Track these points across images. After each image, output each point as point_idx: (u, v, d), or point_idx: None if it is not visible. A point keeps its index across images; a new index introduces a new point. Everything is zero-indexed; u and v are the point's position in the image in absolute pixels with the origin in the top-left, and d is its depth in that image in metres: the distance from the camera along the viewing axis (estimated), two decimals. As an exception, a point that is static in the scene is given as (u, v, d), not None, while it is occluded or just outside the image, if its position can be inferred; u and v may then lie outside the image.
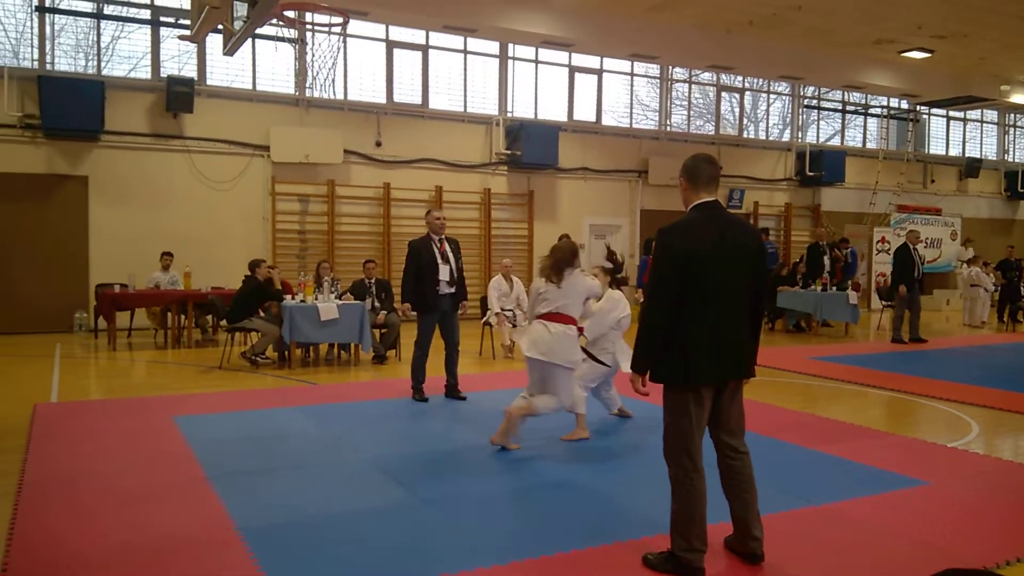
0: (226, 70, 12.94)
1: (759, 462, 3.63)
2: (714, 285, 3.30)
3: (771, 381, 8.69)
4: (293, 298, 9.13)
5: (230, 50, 5.88)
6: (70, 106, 11.38)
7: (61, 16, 12.02)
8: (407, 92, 14.39)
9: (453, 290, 7.07)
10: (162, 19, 12.44)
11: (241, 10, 4.99)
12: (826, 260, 13.32)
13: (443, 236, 7.13)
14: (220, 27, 5.54)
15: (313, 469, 5.04)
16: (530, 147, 14.70)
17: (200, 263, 11.83)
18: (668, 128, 17.10)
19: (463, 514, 4.18)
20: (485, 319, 10.10)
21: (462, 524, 4.05)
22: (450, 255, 7.08)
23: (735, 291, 3.37)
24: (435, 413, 6.66)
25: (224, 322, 9.46)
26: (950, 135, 21.47)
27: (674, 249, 3.30)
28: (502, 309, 9.88)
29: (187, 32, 6.96)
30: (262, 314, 9.15)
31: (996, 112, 21.85)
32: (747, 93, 18.39)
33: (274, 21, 10.05)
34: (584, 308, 5.63)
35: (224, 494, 4.44)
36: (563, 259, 5.36)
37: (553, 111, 15.80)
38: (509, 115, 15.20)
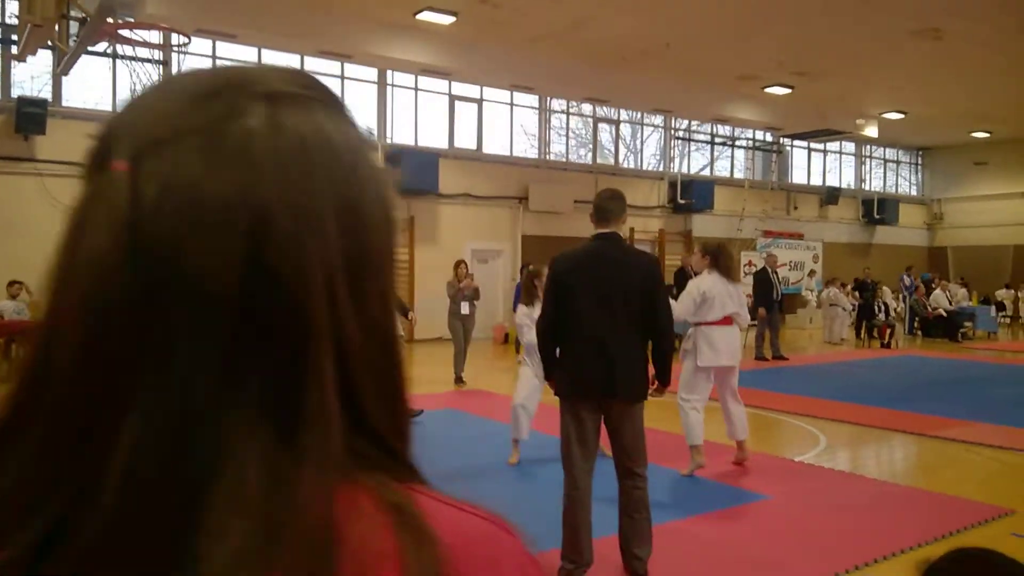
0: (86, 91, 12.33)
1: (599, 480, 3.66)
2: (589, 309, 3.50)
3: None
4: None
5: (63, 69, 5.58)
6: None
7: None
8: (282, 117, 14.08)
9: None
10: (12, 37, 11.74)
11: (75, 28, 4.74)
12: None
13: None
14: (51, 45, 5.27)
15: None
16: (410, 173, 14.63)
17: (54, 293, 11.11)
18: (548, 156, 17.42)
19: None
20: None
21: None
22: None
23: (619, 314, 3.51)
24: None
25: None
26: (811, 165, 22.83)
27: (558, 274, 3.61)
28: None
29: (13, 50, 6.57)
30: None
31: (853, 144, 23.41)
32: (623, 124, 18.99)
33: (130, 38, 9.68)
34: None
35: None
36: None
37: (433, 138, 15.84)
38: (388, 141, 15.11)
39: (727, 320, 5.50)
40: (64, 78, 12.17)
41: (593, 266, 3.56)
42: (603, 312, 3.49)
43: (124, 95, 12.14)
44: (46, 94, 11.89)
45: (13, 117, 11.43)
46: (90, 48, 7.02)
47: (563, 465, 3.60)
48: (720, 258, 5.57)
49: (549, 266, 3.70)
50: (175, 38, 8.19)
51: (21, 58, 6.14)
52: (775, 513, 4.72)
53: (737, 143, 21.01)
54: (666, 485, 5.24)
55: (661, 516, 4.54)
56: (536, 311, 5.84)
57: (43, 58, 12.02)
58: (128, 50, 7.90)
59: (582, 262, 3.62)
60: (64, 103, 12.16)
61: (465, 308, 8.96)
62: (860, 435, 7.19)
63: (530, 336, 5.89)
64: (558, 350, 3.62)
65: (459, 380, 9.65)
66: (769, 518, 4.63)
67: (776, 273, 12.03)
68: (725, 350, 5.50)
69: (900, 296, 17.75)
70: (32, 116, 11.38)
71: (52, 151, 11.87)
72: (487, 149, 16.51)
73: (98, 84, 12.22)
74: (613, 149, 18.82)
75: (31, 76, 11.95)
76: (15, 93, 11.71)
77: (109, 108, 12.33)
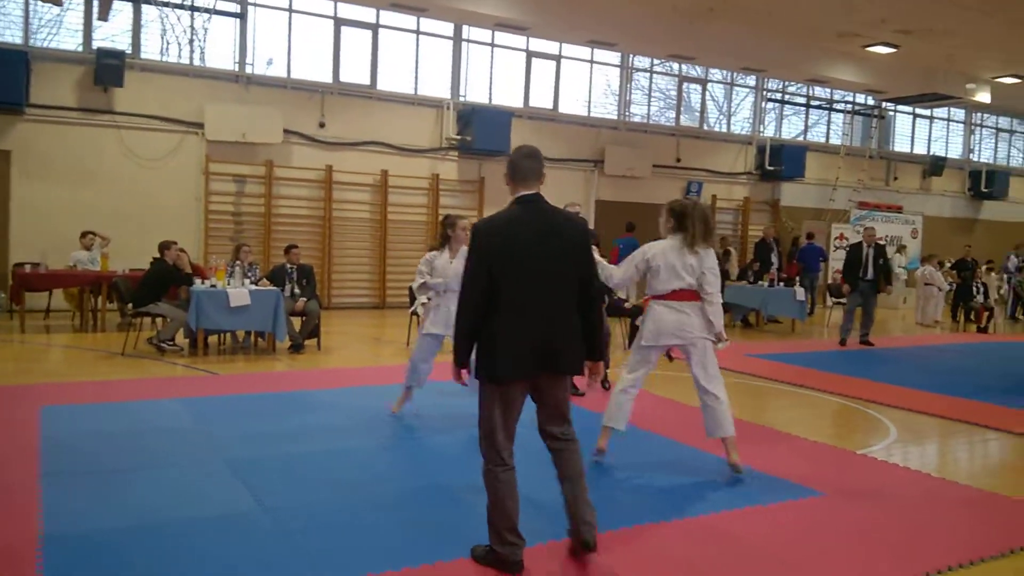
0: (164, 43, 12.42)
1: (647, 466, 3.34)
2: (527, 279, 3.26)
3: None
4: (204, 282, 8.71)
5: (102, 14, 5.45)
6: (-8, 77, 10.83)
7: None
8: (354, 72, 13.94)
9: None
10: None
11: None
12: (773, 257, 13.08)
13: None
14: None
15: (165, 470, 4.64)
16: (482, 132, 14.29)
17: (129, 243, 11.38)
18: (627, 118, 16.75)
19: (308, 527, 3.80)
20: (412, 309, 9.73)
21: (297, 538, 3.69)
22: None
23: (553, 284, 3.30)
24: (333, 408, 6.29)
25: (131, 306, 9.02)
26: (915, 132, 21.28)
27: (484, 243, 3.28)
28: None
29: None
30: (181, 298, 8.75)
31: (963, 110, 21.70)
32: (710, 84, 18.06)
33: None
34: None
35: (48, 497, 4.05)
36: None
37: (508, 97, 15.40)
38: (461, 99, 14.79)
39: (683, 294, 4.71)
40: (143, 31, 12.37)
41: (524, 233, 3.27)
42: (542, 284, 3.27)
43: (199, 51, 12.30)
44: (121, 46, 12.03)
45: (93, 69, 11.64)
46: None
47: (484, 449, 3.32)
48: (684, 219, 4.70)
49: (471, 234, 3.33)
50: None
51: (102, 17, 6.03)
52: (825, 512, 4.24)
53: (835, 107, 19.72)
54: (704, 475, 4.82)
55: (695, 509, 4.18)
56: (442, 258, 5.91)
57: (125, 12, 12.21)
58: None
59: (512, 229, 3.28)
60: (143, 56, 12.29)
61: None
62: (938, 428, 6.53)
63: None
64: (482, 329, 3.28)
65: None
66: (817, 517, 4.16)
67: (873, 248, 11.05)
68: (669, 329, 4.73)
69: (1003, 277, 16.40)
70: (111, 68, 11.55)
71: (129, 103, 12.08)
72: (563, 109, 15.96)
73: (174, 37, 12.26)
74: (699, 111, 17.92)
75: (107, 29, 12.09)
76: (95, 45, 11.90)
77: (186, 61, 12.42)
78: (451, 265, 5.83)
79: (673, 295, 4.73)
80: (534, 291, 3.26)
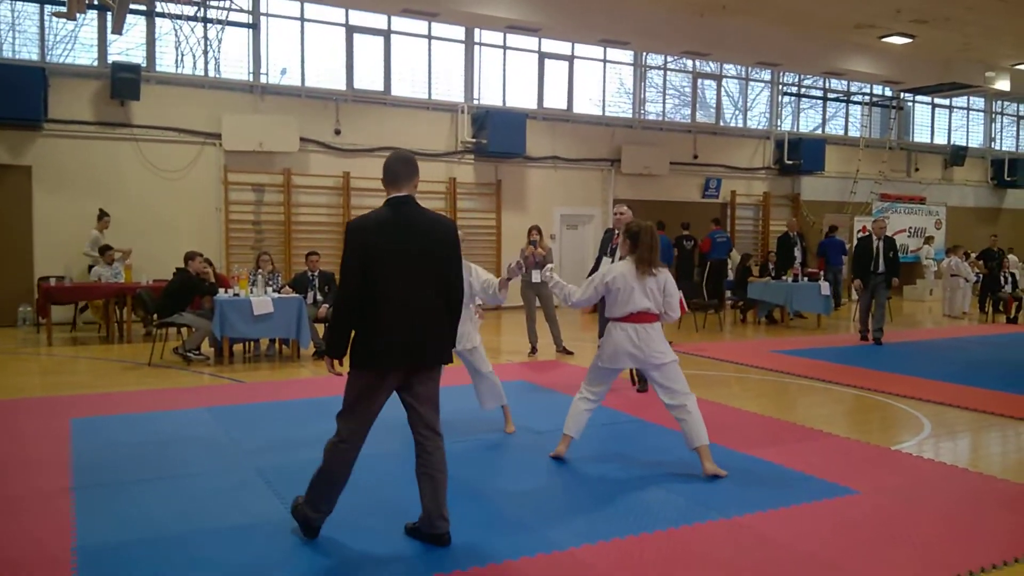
0: (178, 56, 12.50)
1: (680, 466, 3.28)
2: (395, 275, 3.44)
3: (724, 376, 8.32)
4: (227, 291, 8.73)
5: (116, 27, 5.49)
6: (11, 94, 10.92)
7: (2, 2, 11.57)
8: (368, 79, 13.97)
9: None
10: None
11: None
12: (796, 251, 12.94)
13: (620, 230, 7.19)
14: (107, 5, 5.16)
15: (194, 479, 4.65)
16: (497, 135, 14.28)
17: (152, 254, 11.47)
18: (642, 116, 16.67)
19: (334, 532, 3.78)
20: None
21: (328, 545, 3.66)
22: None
23: (420, 281, 3.49)
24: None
25: (155, 317, 9.07)
26: (935, 123, 21.03)
27: (357, 241, 3.44)
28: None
29: (62, 9, 6.51)
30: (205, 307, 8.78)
31: (983, 99, 21.42)
32: (725, 80, 17.94)
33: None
34: None
35: (81, 508, 4.06)
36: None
37: (522, 98, 15.37)
38: (475, 102, 14.77)
39: (642, 316, 4.67)
40: (158, 44, 12.46)
41: (396, 232, 3.47)
42: (411, 280, 3.46)
43: (213, 63, 12.36)
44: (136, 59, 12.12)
45: (109, 83, 11.73)
46: (133, 6, 6.95)
47: (339, 425, 3.56)
48: (639, 243, 4.67)
49: (346, 232, 3.51)
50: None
51: (71, 16, 6.10)
52: (861, 511, 4.16)
53: (852, 99, 19.52)
54: (737, 474, 4.74)
55: (730, 510, 4.11)
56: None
57: (139, 26, 12.31)
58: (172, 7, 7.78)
59: (384, 229, 3.47)
60: (158, 69, 12.38)
61: (536, 276, 8.58)
62: (972, 422, 6.41)
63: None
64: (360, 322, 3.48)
65: (533, 350, 9.33)
66: (853, 516, 4.08)
67: (883, 241, 10.72)
68: (626, 350, 4.68)
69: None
70: (127, 82, 11.64)
71: (146, 116, 12.17)
72: (577, 109, 15.90)
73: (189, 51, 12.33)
74: (715, 107, 17.80)
75: (122, 43, 12.19)
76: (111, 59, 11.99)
77: (201, 73, 12.49)
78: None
79: (631, 317, 4.69)
80: (402, 287, 3.44)
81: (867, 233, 11.36)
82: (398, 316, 3.44)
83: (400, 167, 3.57)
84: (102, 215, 11.16)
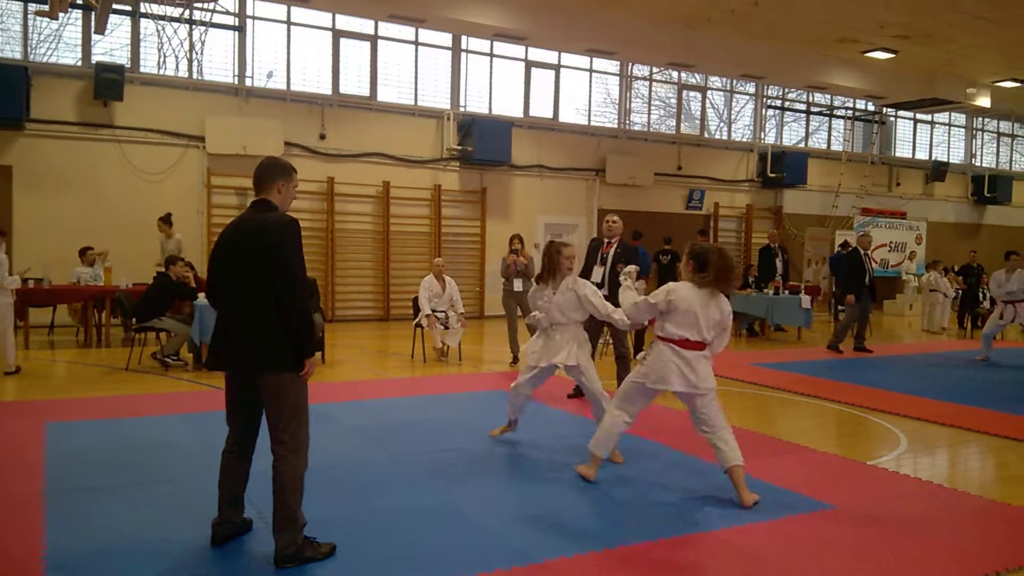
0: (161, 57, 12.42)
1: (657, 478, 3.27)
2: (224, 278, 3.52)
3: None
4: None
5: (99, 27, 5.44)
6: (-8, 92, 10.83)
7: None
8: (354, 83, 13.95)
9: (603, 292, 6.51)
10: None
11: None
12: (778, 263, 13.01)
13: (612, 239, 7.24)
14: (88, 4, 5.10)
15: (170, 487, 4.60)
16: (483, 143, 14.30)
17: (132, 257, 11.36)
18: (627, 126, 16.74)
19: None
20: (416, 321, 9.69)
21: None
22: (608, 259, 7.19)
23: (245, 287, 3.45)
24: (335, 422, 6.23)
25: (134, 321, 8.98)
26: (917, 138, 21.27)
27: (215, 245, 3.61)
28: (433, 311, 9.48)
29: (45, 7, 6.47)
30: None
31: (964, 115, 21.69)
32: (710, 92, 18.06)
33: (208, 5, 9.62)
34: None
35: (52, 514, 4.01)
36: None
37: (508, 106, 15.40)
38: (462, 109, 14.79)
39: (694, 344, 4.46)
40: (143, 45, 12.38)
41: (233, 235, 3.54)
42: (235, 282, 3.47)
43: (197, 63, 12.28)
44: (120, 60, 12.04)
45: (92, 83, 11.64)
46: (116, 6, 6.90)
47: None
48: (709, 265, 4.40)
49: (293, 230, 3.50)
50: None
51: (52, 15, 6.05)
52: (836, 526, 4.19)
53: (835, 113, 19.71)
54: (715, 487, 4.75)
55: (707, 524, 4.12)
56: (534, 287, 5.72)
57: (123, 26, 12.23)
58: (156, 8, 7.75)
59: (228, 231, 3.58)
60: (142, 70, 12.30)
61: (518, 285, 8.59)
62: (948, 438, 6.47)
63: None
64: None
65: (515, 360, 9.32)
66: (828, 531, 4.10)
67: (868, 256, 10.94)
68: (679, 373, 4.46)
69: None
70: (110, 82, 11.56)
71: (129, 117, 12.08)
72: (563, 118, 15.95)
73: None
74: (699, 119, 17.92)
75: (106, 43, 12.10)
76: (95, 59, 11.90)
77: (185, 75, 12.42)
78: (555, 298, 5.43)
79: (684, 343, 4.48)
80: (230, 290, 3.49)
81: (852, 247, 11.55)
82: (223, 320, 3.54)
83: (260, 172, 3.59)
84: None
